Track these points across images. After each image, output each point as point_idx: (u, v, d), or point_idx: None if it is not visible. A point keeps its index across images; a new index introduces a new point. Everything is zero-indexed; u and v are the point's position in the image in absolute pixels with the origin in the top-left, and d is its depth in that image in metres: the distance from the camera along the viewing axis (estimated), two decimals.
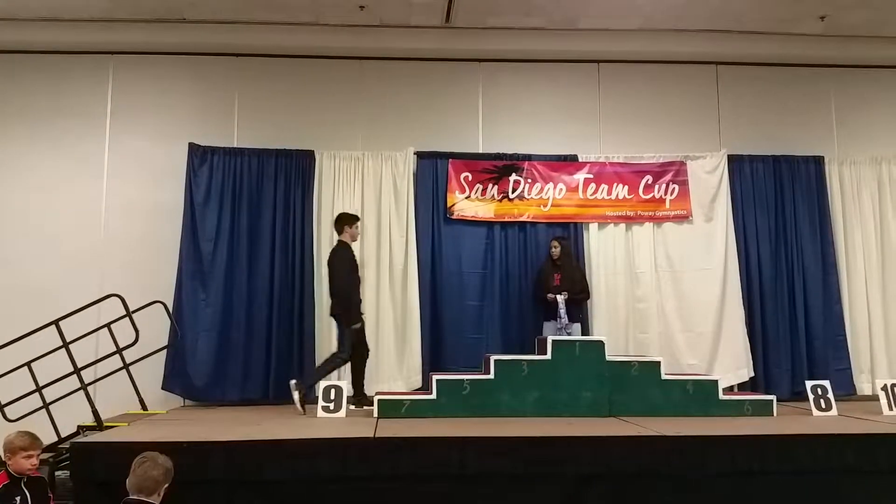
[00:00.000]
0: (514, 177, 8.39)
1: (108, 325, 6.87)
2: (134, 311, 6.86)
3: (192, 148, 8.14)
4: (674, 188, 8.52)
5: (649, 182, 8.51)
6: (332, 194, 8.24)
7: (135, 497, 3.58)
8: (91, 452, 4.75)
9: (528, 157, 8.48)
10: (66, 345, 6.45)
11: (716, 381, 6.57)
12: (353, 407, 6.64)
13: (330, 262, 7.17)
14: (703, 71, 8.91)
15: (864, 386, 8.25)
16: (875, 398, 6.73)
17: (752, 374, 8.18)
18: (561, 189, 8.46)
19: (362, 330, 7.07)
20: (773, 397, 6.58)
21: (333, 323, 7.87)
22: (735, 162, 8.62)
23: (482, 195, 8.40)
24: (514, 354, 6.64)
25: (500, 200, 8.39)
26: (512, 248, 8.39)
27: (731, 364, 8.15)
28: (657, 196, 8.51)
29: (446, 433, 5.16)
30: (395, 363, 7.98)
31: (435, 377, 6.35)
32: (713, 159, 8.60)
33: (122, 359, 6.77)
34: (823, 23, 8.40)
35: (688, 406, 6.31)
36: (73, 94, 8.36)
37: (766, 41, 8.65)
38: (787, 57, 8.86)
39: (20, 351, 6.39)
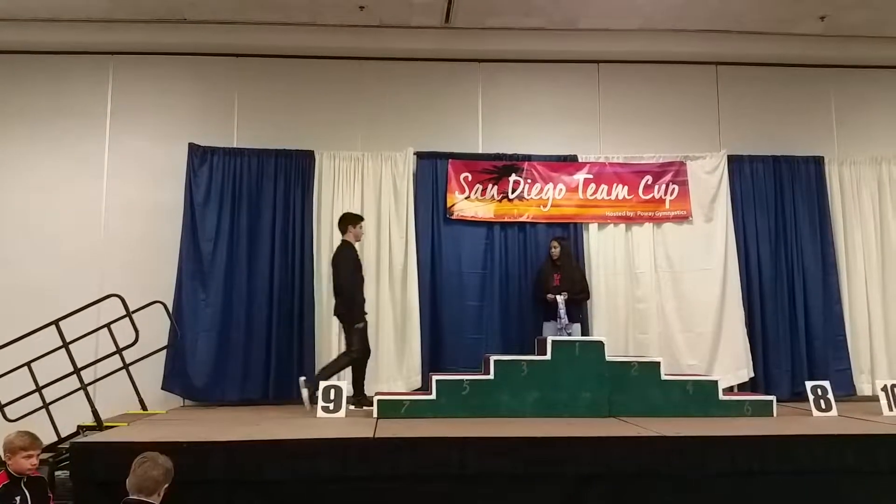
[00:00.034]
0: (513, 177, 8.39)
1: (108, 326, 6.87)
2: (134, 312, 6.86)
3: (192, 148, 8.14)
4: (674, 188, 8.53)
5: (649, 182, 8.52)
6: (331, 194, 8.24)
7: (135, 497, 3.58)
8: (91, 452, 4.74)
9: (528, 158, 8.48)
10: (65, 345, 6.45)
11: (716, 382, 6.56)
12: (352, 407, 6.64)
13: (334, 262, 7.17)
14: (703, 71, 8.92)
15: (864, 386, 8.24)
16: (875, 399, 6.72)
17: (752, 374, 8.18)
18: (561, 189, 8.46)
19: (365, 329, 7.07)
20: (772, 398, 6.57)
21: (333, 323, 7.91)
22: (735, 162, 8.62)
23: (482, 195, 8.40)
24: (514, 355, 6.63)
25: (500, 201, 8.39)
26: (512, 249, 8.39)
27: (731, 364, 8.15)
28: (657, 196, 8.51)
29: (446, 433, 5.16)
30: (395, 363, 7.98)
31: (434, 377, 6.35)
32: (713, 159, 8.60)
33: (122, 359, 6.77)
34: (823, 23, 8.40)
35: (688, 406, 6.30)
36: (73, 94, 8.36)
37: (765, 41, 8.65)
38: (786, 57, 8.86)
39: (20, 351, 6.40)
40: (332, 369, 6.90)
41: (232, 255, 8.03)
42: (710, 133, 8.82)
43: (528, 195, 8.41)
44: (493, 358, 6.38)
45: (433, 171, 8.40)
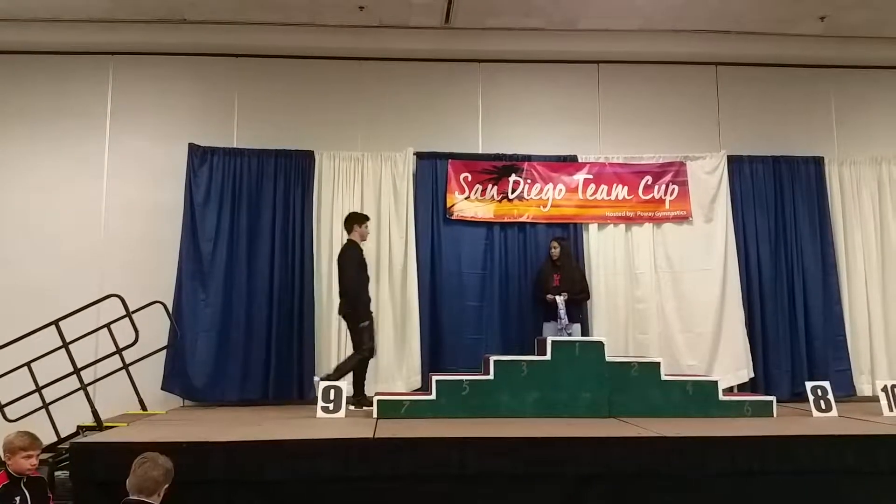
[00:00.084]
0: (513, 177, 8.39)
1: (107, 326, 6.87)
2: (134, 312, 6.86)
3: (192, 148, 8.14)
4: (673, 189, 8.53)
5: (649, 182, 8.52)
6: (331, 195, 8.25)
7: (135, 497, 3.58)
8: (91, 453, 4.74)
9: (528, 158, 8.48)
10: (65, 345, 6.45)
11: (715, 382, 6.56)
12: (352, 407, 6.63)
13: (339, 261, 7.18)
14: (703, 71, 8.92)
15: (864, 387, 8.24)
16: (875, 399, 6.72)
17: (752, 374, 8.18)
18: (560, 189, 8.46)
19: (372, 327, 7.06)
20: (772, 398, 6.56)
21: (333, 323, 7.94)
22: (735, 162, 8.62)
23: (482, 196, 8.41)
24: (514, 355, 6.63)
25: (500, 201, 8.39)
26: (511, 249, 8.39)
27: (731, 365, 8.15)
28: (657, 196, 8.51)
29: (446, 433, 5.16)
30: (395, 364, 7.98)
31: (434, 378, 6.34)
32: (713, 160, 8.60)
33: (122, 359, 6.77)
34: (823, 23, 8.40)
35: (687, 407, 6.29)
36: (73, 94, 8.37)
37: (765, 41, 8.65)
38: (786, 57, 8.86)
39: (20, 351, 6.40)
40: (345, 368, 6.92)
41: (232, 255, 8.03)
42: (709, 133, 8.82)
43: (528, 195, 8.41)
44: (492, 358, 6.38)
45: (433, 172, 8.40)
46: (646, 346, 8.18)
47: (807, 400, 6.60)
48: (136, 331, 6.72)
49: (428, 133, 8.50)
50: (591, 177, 8.51)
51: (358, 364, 6.98)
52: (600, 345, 6.51)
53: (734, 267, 8.38)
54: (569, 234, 8.37)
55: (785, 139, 8.79)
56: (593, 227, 8.50)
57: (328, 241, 8.13)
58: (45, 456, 4.98)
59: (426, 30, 8.47)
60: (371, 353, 7.04)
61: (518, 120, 8.68)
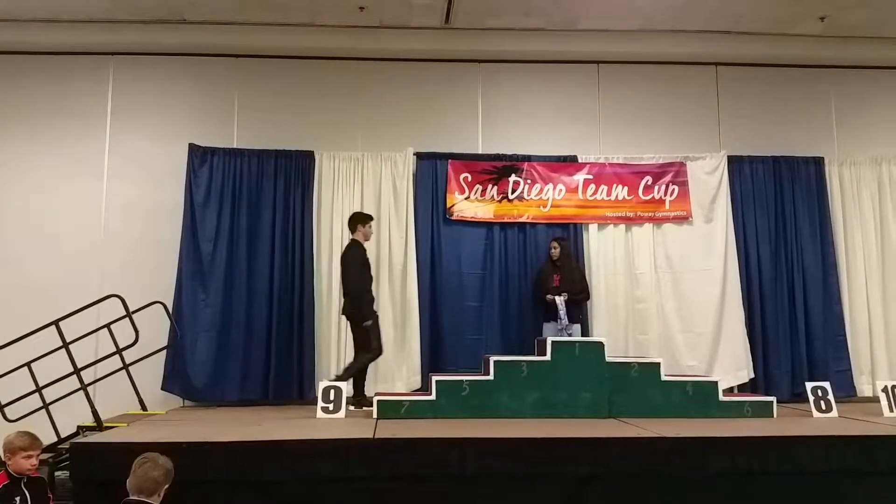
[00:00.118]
0: (513, 177, 8.39)
1: (107, 326, 6.88)
2: (134, 312, 6.86)
3: (192, 148, 8.14)
4: (673, 189, 8.53)
5: (649, 183, 8.52)
6: (331, 195, 8.25)
7: (135, 498, 3.58)
8: (91, 453, 4.74)
9: (528, 158, 8.48)
10: (65, 345, 6.45)
11: (716, 383, 6.56)
12: (352, 408, 6.63)
13: (343, 261, 7.18)
14: (703, 72, 8.92)
15: (864, 387, 8.24)
16: (875, 400, 6.72)
17: (752, 375, 8.18)
18: (560, 190, 8.46)
19: (377, 326, 7.05)
20: (773, 399, 6.56)
21: (333, 323, 7.94)
22: (735, 163, 8.62)
23: (482, 196, 8.40)
24: (514, 355, 6.63)
25: (500, 201, 8.39)
26: (511, 249, 8.39)
27: (731, 365, 8.15)
28: (657, 197, 8.51)
29: (446, 434, 5.16)
30: (395, 364, 7.97)
31: (434, 378, 6.34)
32: (713, 160, 8.60)
33: (122, 359, 6.77)
34: (823, 23, 8.40)
35: (687, 407, 6.29)
36: (73, 94, 8.36)
37: (765, 42, 8.65)
38: (786, 57, 8.86)
39: (20, 351, 6.40)
40: (355, 368, 6.93)
41: (232, 256, 8.03)
42: (709, 133, 8.82)
43: (528, 196, 8.41)
44: (492, 358, 6.38)
45: (433, 172, 8.40)
46: (646, 347, 8.18)
47: (807, 400, 6.60)
48: (136, 331, 6.72)
49: (428, 133, 8.50)
50: (591, 177, 8.50)
51: (365, 364, 6.97)
52: (600, 345, 6.51)
53: (734, 267, 8.38)
54: (569, 234, 8.37)
55: (785, 139, 8.79)
56: (593, 228, 8.49)
57: (328, 241, 8.13)
58: (45, 456, 4.98)
59: (426, 30, 8.47)
60: (379, 351, 7.03)
61: (518, 120, 8.68)
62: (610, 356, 6.50)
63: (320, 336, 7.98)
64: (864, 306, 8.52)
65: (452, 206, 8.34)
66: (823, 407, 6.52)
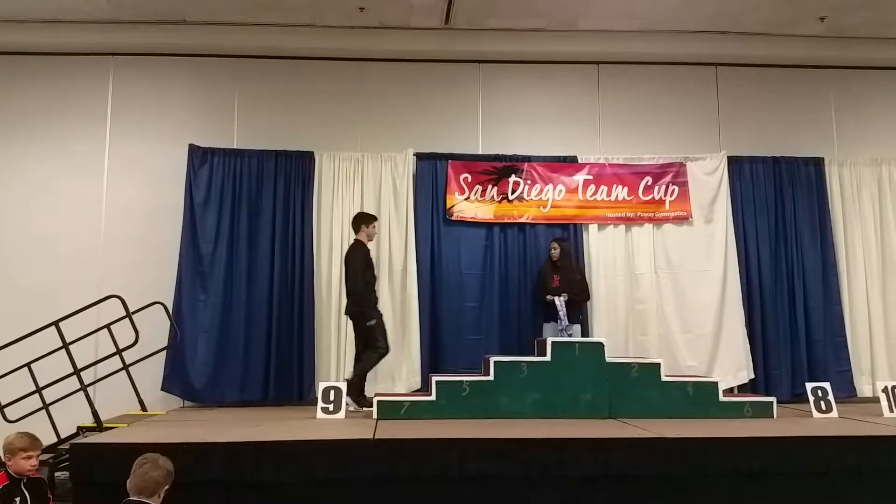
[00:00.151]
0: (513, 178, 8.39)
1: (107, 326, 6.88)
2: (134, 312, 6.87)
3: (192, 149, 8.14)
4: (673, 189, 8.53)
5: (649, 183, 8.52)
6: (331, 195, 8.25)
7: (135, 498, 3.59)
8: (91, 453, 4.74)
9: (528, 159, 8.48)
10: (65, 346, 6.46)
11: (716, 383, 6.56)
12: (352, 408, 6.63)
13: (346, 261, 7.18)
14: (703, 72, 8.92)
15: (864, 388, 8.25)
16: (876, 400, 6.72)
17: (752, 375, 8.18)
18: (560, 190, 8.46)
19: (382, 324, 7.05)
20: (773, 399, 6.56)
21: (333, 323, 7.94)
22: (735, 163, 8.62)
23: (482, 196, 8.40)
24: (514, 356, 6.62)
25: (500, 202, 8.39)
26: (511, 250, 8.39)
27: (731, 366, 8.15)
28: (657, 197, 8.51)
29: (446, 435, 5.15)
30: (395, 364, 7.95)
31: (434, 379, 6.34)
32: (713, 161, 8.60)
33: (122, 360, 6.77)
34: (823, 24, 8.40)
35: (688, 408, 6.29)
36: (73, 95, 8.36)
37: (765, 42, 8.65)
38: (786, 58, 8.86)
39: (20, 352, 6.41)
40: (365, 368, 6.93)
41: (232, 256, 8.03)
42: (709, 134, 8.82)
43: (528, 196, 8.41)
44: (492, 359, 6.37)
45: (433, 172, 8.40)
46: (646, 347, 8.18)
47: (807, 401, 6.60)
48: (136, 331, 6.72)
49: (428, 134, 8.50)
50: (590, 177, 8.50)
51: (374, 363, 6.97)
52: (600, 346, 6.51)
53: (734, 268, 8.38)
54: (569, 234, 8.37)
55: (785, 140, 8.79)
56: (593, 228, 8.50)
57: (328, 241, 8.13)
58: (45, 457, 4.99)
59: (426, 31, 8.47)
60: (386, 349, 7.03)
61: (518, 120, 8.68)
62: (610, 357, 6.49)
63: (320, 337, 7.98)
64: (865, 306, 8.52)
65: (452, 206, 8.34)
66: (823, 407, 6.52)
